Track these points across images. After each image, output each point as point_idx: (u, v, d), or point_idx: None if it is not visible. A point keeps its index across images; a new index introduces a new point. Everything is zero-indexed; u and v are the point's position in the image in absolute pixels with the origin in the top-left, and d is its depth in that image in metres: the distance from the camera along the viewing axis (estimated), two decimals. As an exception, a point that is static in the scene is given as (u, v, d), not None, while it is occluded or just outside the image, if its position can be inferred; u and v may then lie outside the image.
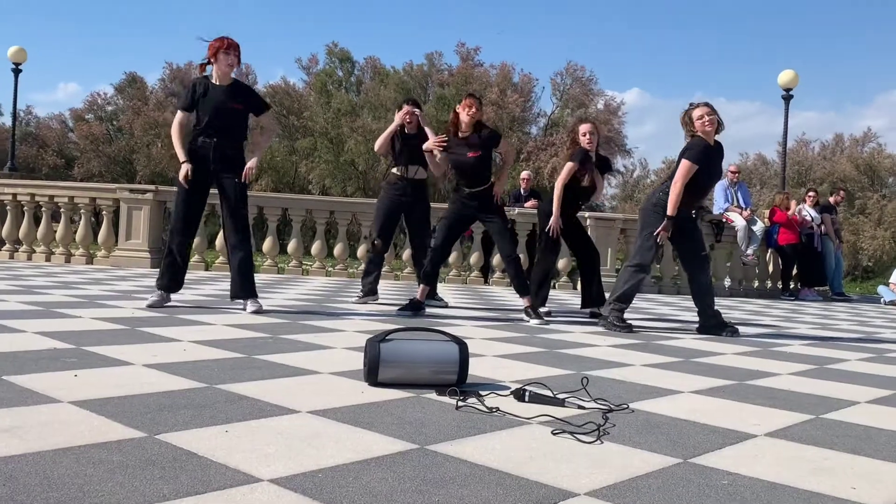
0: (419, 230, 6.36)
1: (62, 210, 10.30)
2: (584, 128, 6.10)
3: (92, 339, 3.56)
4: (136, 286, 6.76)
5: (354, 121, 29.08)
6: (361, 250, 10.05)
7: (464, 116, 5.51)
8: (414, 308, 5.50)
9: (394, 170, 6.29)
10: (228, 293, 5.23)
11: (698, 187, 5.28)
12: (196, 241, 9.91)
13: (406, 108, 6.29)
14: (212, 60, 5.08)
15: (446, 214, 5.74)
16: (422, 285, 5.69)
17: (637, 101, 52.44)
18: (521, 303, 5.65)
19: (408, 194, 6.24)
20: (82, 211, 10.33)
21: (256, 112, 5.25)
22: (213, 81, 5.09)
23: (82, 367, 2.89)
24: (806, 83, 40.96)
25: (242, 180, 5.09)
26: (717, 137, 5.26)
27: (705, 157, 5.17)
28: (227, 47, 5.03)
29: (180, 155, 5.08)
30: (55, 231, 10.38)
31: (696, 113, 5.19)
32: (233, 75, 5.18)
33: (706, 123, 5.14)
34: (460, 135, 5.56)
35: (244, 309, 5.10)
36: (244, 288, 5.15)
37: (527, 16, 54.24)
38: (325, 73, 32.41)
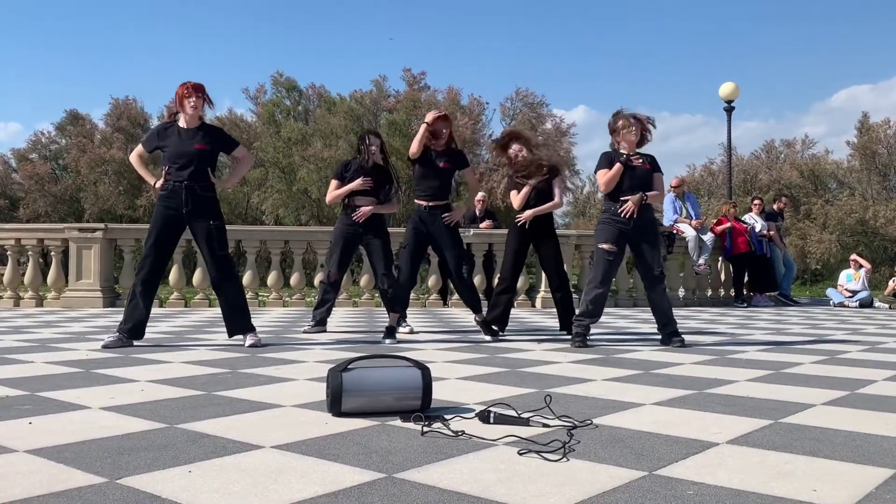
0: (380, 260, 6.15)
1: (9, 252, 10.06)
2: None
3: (46, 384, 3.48)
4: (88, 327, 6.62)
5: (305, 149, 29.00)
6: (318, 279, 10.00)
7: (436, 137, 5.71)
8: (390, 334, 5.61)
9: (349, 200, 6.18)
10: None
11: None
12: (173, 278, 9.80)
13: (373, 140, 6.24)
14: (179, 109, 5.12)
15: (405, 242, 5.77)
16: (391, 313, 5.77)
17: (583, 118, 53.16)
18: (477, 320, 5.83)
19: (363, 225, 6.13)
20: (30, 252, 10.10)
21: (226, 150, 5.30)
22: (181, 125, 5.10)
23: (37, 414, 2.82)
24: (747, 94, 42.00)
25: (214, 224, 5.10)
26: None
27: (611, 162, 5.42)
28: (189, 92, 5.04)
29: (149, 177, 5.18)
30: (2, 274, 10.12)
31: (620, 123, 5.44)
32: (207, 119, 5.24)
33: (630, 133, 5.40)
34: (433, 147, 5.73)
35: (243, 343, 5.13)
36: (239, 324, 5.19)
37: (470, 39, 54.81)
38: (273, 103, 32.31)
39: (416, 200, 5.84)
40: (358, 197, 6.13)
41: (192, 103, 5.04)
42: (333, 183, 6.25)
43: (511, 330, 6.29)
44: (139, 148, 5.25)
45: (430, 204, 5.72)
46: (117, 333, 5.06)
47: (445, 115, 5.86)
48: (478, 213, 11.55)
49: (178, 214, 5.05)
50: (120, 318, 5.20)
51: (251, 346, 5.05)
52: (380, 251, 6.14)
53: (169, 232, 5.11)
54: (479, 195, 11.96)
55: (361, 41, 50.76)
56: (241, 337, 5.20)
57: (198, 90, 5.07)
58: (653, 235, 5.44)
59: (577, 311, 5.54)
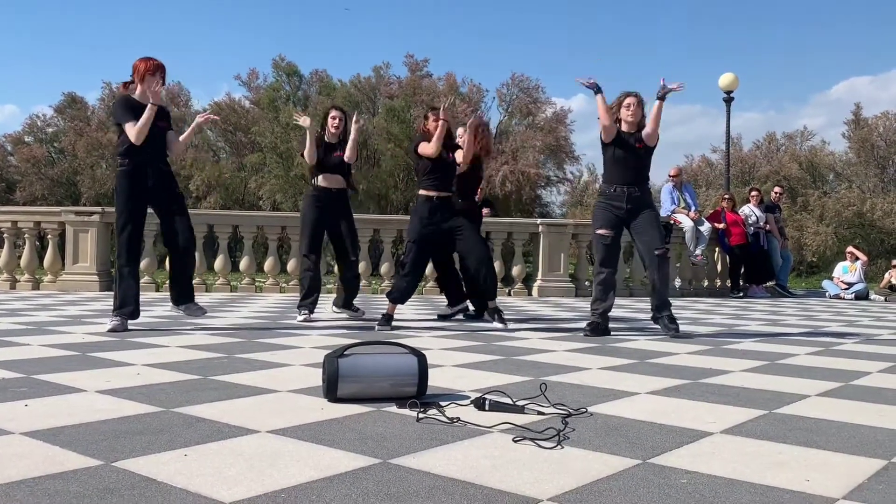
0: (344, 243, 6.08)
1: (5, 235, 10.04)
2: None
3: (42, 367, 3.48)
4: (85, 310, 6.62)
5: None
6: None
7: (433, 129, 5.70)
8: (386, 322, 5.57)
9: (316, 180, 6.09)
10: (181, 313, 5.15)
11: (610, 164, 5.46)
12: (145, 262, 9.76)
13: (336, 114, 6.22)
14: (136, 81, 5.09)
15: (414, 237, 5.66)
16: (391, 303, 5.68)
17: (583, 107, 52.94)
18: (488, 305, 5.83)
19: (328, 206, 6.03)
20: (26, 235, 10.08)
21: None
22: (143, 101, 5.05)
23: (33, 397, 2.82)
24: (746, 84, 41.94)
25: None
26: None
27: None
28: (153, 69, 5.05)
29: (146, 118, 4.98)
30: (-2, 257, 10.11)
31: (625, 101, 5.46)
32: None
33: (628, 114, 5.42)
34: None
35: (184, 313, 5.30)
36: (188, 292, 5.32)
37: (471, 26, 54.61)
38: (273, 88, 32.19)
39: (421, 192, 5.71)
40: (325, 175, 6.06)
41: (157, 82, 5.03)
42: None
43: (508, 318, 6.30)
44: (135, 125, 4.99)
45: (439, 195, 5.67)
46: (119, 317, 5.05)
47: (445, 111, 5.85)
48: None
49: (144, 191, 5.06)
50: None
51: (190, 314, 5.27)
52: (347, 235, 6.06)
53: (140, 209, 5.11)
54: None
55: (362, 28, 50.61)
56: (184, 306, 5.28)
57: (162, 69, 5.10)
58: (648, 215, 5.39)
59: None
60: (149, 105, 4.98)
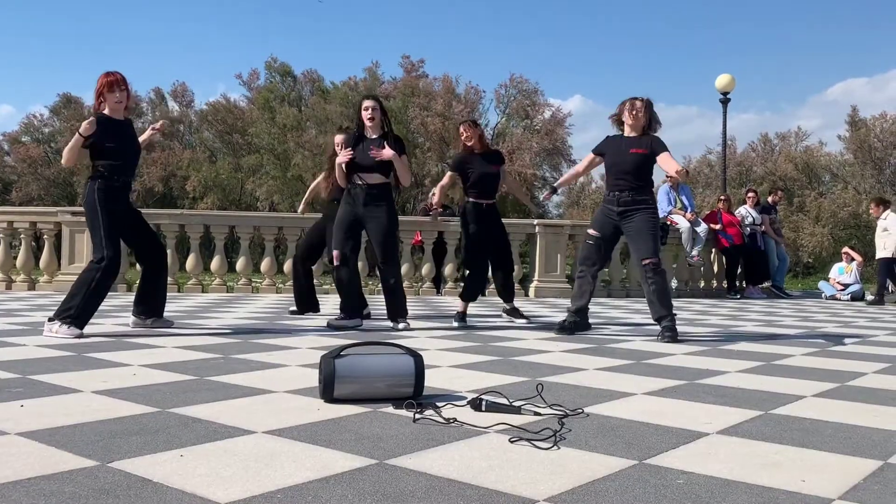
0: (378, 246, 5.55)
1: (1, 235, 10.02)
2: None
3: (38, 368, 3.48)
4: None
5: (300, 136, 28.93)
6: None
7: (469, 143, 6.05)
8: (461, 319, 5.93)
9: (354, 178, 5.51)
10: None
11: (607, 170, 5.62)
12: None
13: (368, 104, 5.57)
14: (104, 100, 4.84)
15: (471, 237, 6.04)
16: (462, 301, 6.06)
17: (580, 107, 53.10)
18: (506, 306, 6.34)
19: (364, 203, 5.46)
20: (22, 236, 10.07)
21: None
22: (116, 118, 4.86)
23: (29, 397, 2.82)
24: (743, 85, 42.10)
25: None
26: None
27: (605, 146, 5.60)
28: (111, 85, 4.80)
29: (79, 136, 4.69)
30: (-6, 257, 10.10)
31: (628, 104, 5.48)
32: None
33: (630, 117, 5.46)
34: (476, 151, 6.08)
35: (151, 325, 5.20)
36: (162, 305, 5.28)
37: (468, 26, 54.67)
38: (268, 89, 32.22)
39: (471, 199, 6.03)
40: (362, 174, 5.46)
41: (117, 98, 4.80)
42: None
43: (505, 318, 6.32)
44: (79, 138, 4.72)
45: (488, 202, 6.04)
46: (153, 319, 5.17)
47: (473, 122, 6.23)
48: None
49: (124, 211, 4.93)
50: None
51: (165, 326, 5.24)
52: (379, 236, 5.50)
53: (125, 220, 4.98)
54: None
55: (355, 27, 50.63)
56: (151, 318, 5.23)
57: (121, 83, 4.85)
58: (640, 222, 5.28)
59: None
60: (76, 135, 4.71)
